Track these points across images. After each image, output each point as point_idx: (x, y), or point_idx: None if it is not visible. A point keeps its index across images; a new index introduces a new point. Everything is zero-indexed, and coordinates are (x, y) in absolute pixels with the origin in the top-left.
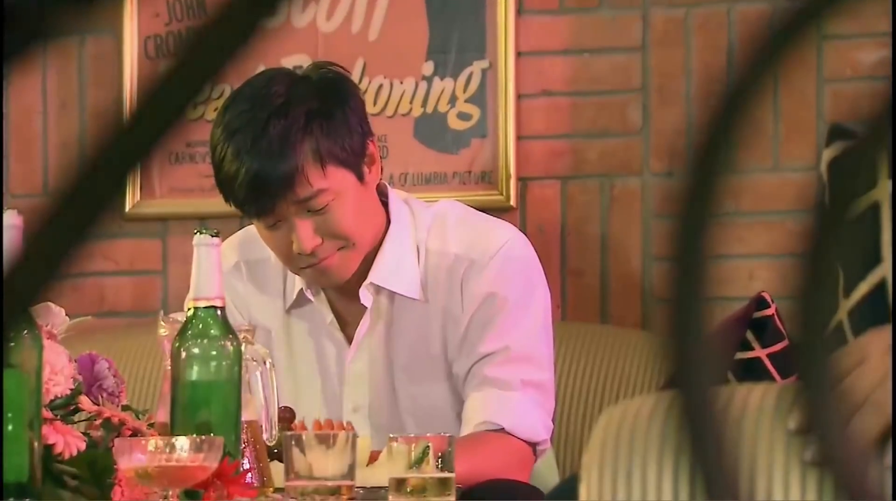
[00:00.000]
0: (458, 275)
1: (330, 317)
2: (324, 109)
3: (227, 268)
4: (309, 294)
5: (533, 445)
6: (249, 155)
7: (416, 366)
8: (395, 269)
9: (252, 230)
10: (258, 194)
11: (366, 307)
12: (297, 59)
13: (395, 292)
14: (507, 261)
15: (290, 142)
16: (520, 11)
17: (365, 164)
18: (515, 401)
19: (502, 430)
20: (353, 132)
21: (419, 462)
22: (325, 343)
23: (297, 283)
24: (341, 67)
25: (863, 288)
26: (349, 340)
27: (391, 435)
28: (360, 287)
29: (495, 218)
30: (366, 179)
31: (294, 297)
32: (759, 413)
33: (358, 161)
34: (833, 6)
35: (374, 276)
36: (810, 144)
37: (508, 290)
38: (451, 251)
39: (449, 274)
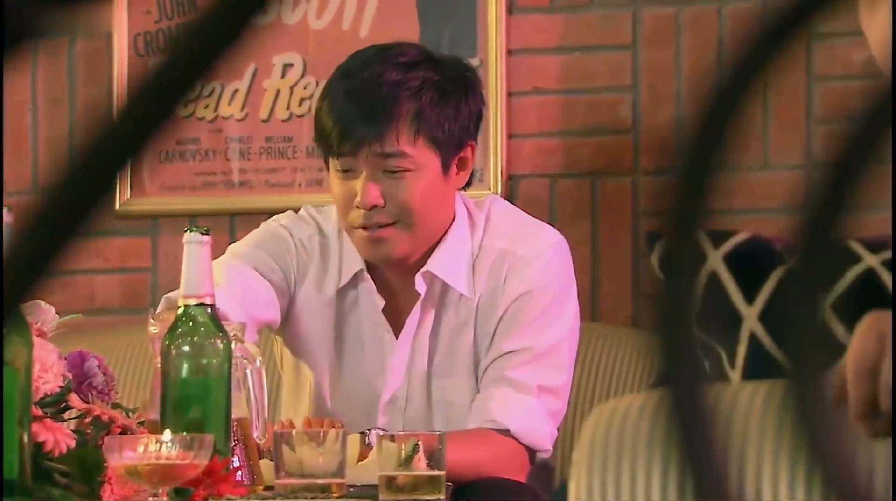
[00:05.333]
0: (503, 271)
1: (382, 304)
2: (441, 86)
3: (304, 237)
4: (367, 276)
5: (533, 451)
6: (354, 95)
7: (453, 361)
8: (451, 262)
9: (326, 209)
10: (347, 135)
11: (415, 299)
12: (287, 57)
13: (447, 286)
14: (552, 263)
15: (397, 96)
16: (511, 9)
17: (455, 162)
18: (529, 406)
19: (507, 432)
20: (459, 123)
21: (409, 459)
22: (369, 330)
23: (353, 264)
24: (476, 72)
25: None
26: (395, 330)
27: (380, 433)
28: (415, 275)
29: (539, 220)
30: (450, 175)
31: (349, 277)
32: (748, 412)
33: (450, 153)
34: (823, 5)
35: (433, 264)
36: (800, 143)
37: (545, 291)
38: (498, 246)
39: (494, 269)
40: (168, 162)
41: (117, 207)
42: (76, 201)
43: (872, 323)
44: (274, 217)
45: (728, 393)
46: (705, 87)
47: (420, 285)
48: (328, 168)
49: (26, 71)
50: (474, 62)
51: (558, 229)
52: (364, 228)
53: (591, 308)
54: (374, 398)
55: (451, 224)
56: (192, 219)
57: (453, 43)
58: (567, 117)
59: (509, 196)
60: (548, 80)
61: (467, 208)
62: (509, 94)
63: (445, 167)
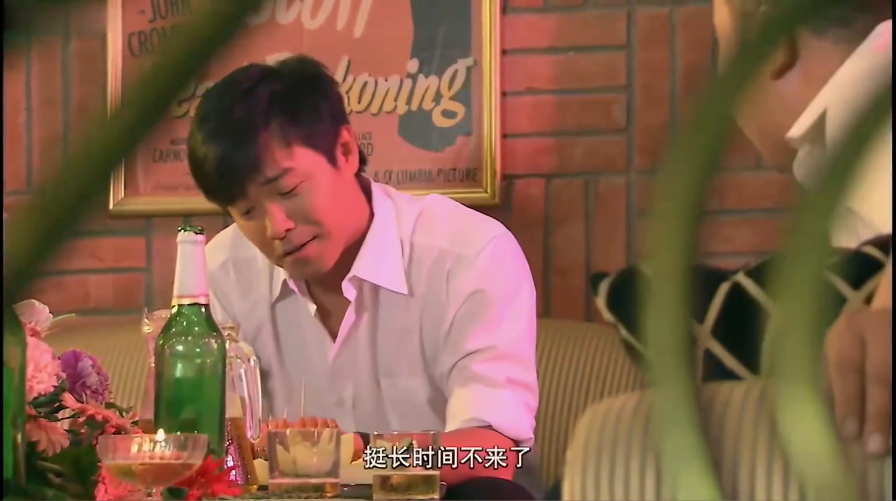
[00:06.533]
0: (444, 270)
1: (313, 309)
2: (288, 92)
3: (215, 267)
4: (292, 285)
5: (517, 443)
6: (216, 140)
7: (400, 360)
8: (378, 262)
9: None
10: (226, 178)
11: (350, 301)
12: (281, 57)
13: (379, 286)
14: (495, 258)
15: (253, 123)
16: (505, 9)
17: (339, 151)
18: (503, 399)
19: (489, 427)
20: (322, 117)
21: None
22: (309, 336)
23: (280, 275)
24: (317, 61)
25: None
26: (332, 333)
27: (375, 433)
28: (342, 280)
29: (482, 214)
30: (339, 164)
31: (279, 290)
32: (741, 411)
33: (329, 145)
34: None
35: (358, 269)
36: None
37: (495, 287)
38: (437, 245)
39: (434, 268)
40: (162, 161)
41: (111, 206)
42: (70, 201)
43: (847, 324)
44: None
45: (721, 392)
46: (699, 87)
47: (348, 291)
48: (230, 215)
49: (20, 70)
50: (468, 62)
51: (552, 229)
52: (287, 253)
53: (586, 308)
54: (323, 403)
55: (370, 223)
56: (187, 219)
57: (447, 43)
58: (561, 117)
59: (504, 196)
60: (542, 80)
61: (394, 202)
62: (503, 93)
63: (332, 161)
